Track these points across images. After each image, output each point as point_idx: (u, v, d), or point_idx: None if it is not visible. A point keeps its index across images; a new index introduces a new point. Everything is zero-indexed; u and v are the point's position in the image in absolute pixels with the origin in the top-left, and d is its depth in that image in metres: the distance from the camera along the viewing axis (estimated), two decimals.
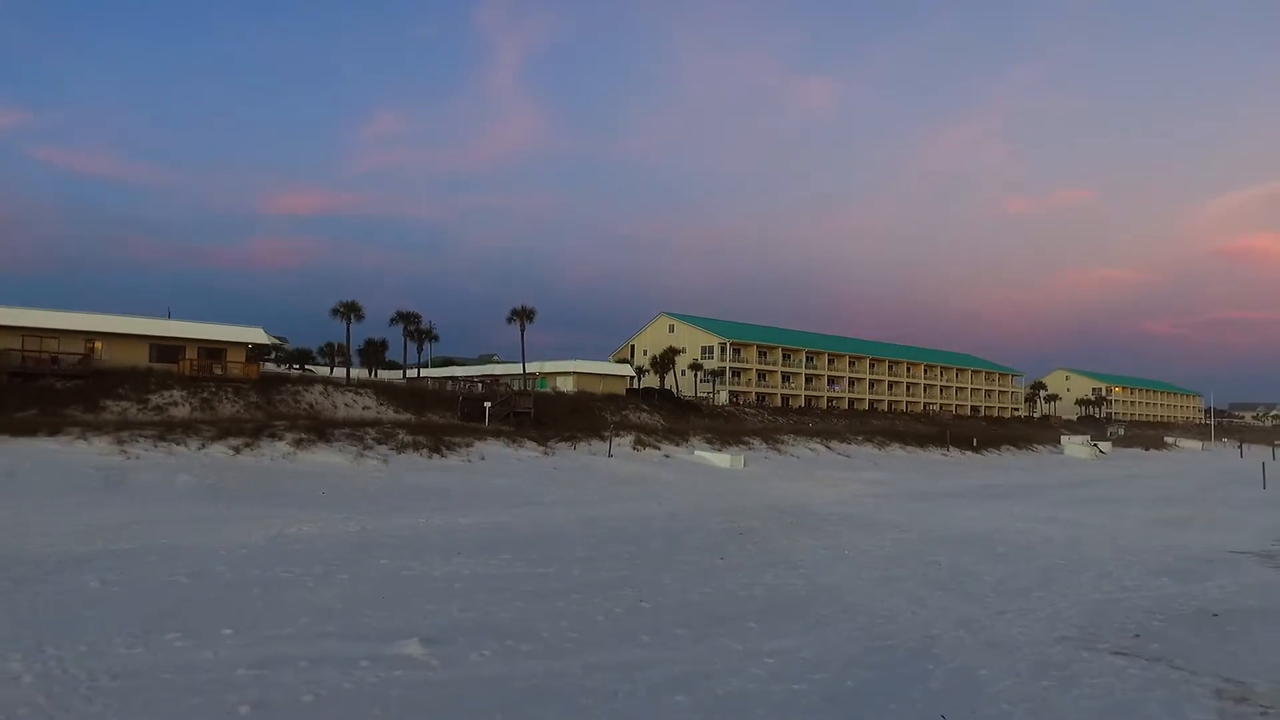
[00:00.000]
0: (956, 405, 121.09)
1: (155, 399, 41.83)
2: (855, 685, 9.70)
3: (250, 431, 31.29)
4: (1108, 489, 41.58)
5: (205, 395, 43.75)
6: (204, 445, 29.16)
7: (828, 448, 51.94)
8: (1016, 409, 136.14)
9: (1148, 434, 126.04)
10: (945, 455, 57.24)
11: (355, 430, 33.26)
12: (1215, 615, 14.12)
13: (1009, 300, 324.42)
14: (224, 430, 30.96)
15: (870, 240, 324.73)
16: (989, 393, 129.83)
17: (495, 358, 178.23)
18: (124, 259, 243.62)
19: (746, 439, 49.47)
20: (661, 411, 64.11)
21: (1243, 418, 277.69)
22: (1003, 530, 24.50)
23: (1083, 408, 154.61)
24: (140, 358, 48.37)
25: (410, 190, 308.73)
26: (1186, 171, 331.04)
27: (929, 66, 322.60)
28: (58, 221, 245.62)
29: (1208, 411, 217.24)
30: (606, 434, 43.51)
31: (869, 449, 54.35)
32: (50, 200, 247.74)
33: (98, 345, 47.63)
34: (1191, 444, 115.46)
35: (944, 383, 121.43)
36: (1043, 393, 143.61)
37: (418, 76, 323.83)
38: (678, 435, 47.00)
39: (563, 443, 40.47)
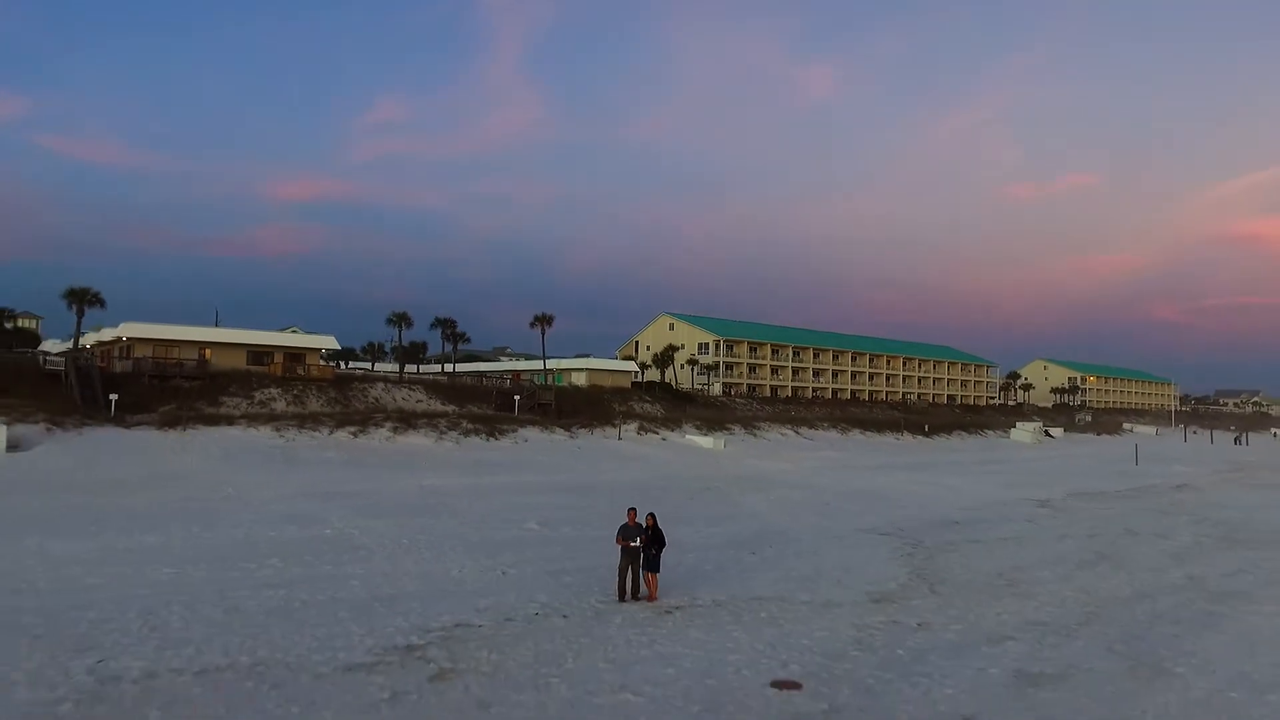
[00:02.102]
0: (934, 394, 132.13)
1: (258, 395, 53.09)
2: (740, 540, 21.10)
3: (358, 421, 42.62)
4: (1009, 465, 52.81)
5: (295, 392, 54.99)
6: (332, 431, 40.49)
7: (797, 432, 63.27)
8: (992, 398, 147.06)
9: (1111, 420, 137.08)
10: (899, 439, 68.51)
11: (432, 420, 44.61)
12: (957, 522, 25.51)
13: (1010, 287, 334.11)
14: (340, 420, 42.27)
15: (872, 227, 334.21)
16: (965, 382, 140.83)
17: (508, 350, 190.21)
18: (127, 247, 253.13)
19: (730, 426, 60.77)
20: (662, 402, 75.34)
21: (1227, 404, 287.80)
22: (891, 488, 35.82)
23: (1057, 396, 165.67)
24: (239, 361, 59.72)
25: (413, 177, 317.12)
26: (1191, 156, 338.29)
27: (931, 53, 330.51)
28: (61, 209, 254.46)
29: (1182, 399, 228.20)
30: (616, 422, 54.87)
31: (833, 434, 65.67)
32: (53, 188, 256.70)
33: (208, 352, 59.04)
34: (1146, 430, 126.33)
35: (922, 374, 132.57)
36: (1018, 382, 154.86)
37: (419, 64, 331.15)
38: (673, 423, 58.33)
39: (583, 429, 51.75)
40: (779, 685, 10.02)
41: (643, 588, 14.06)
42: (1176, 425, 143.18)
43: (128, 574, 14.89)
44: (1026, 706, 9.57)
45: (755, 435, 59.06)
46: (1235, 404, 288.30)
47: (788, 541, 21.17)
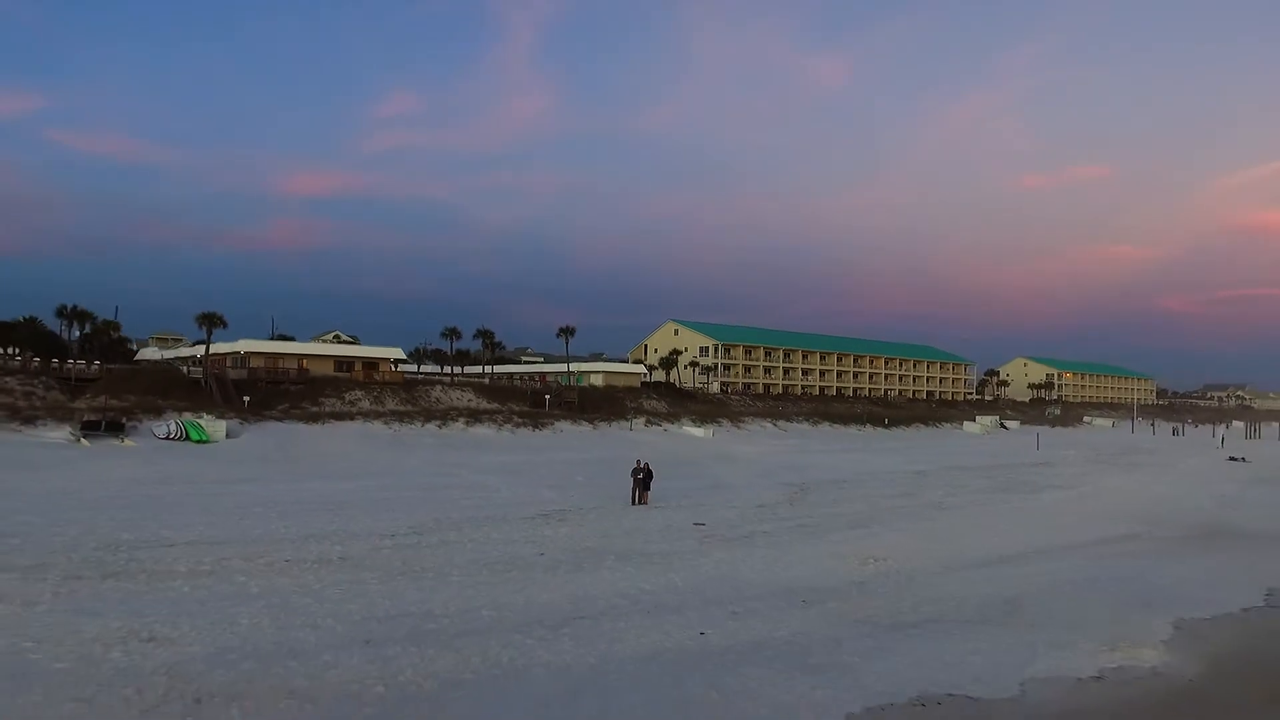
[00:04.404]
0: (914, 391, 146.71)
1: (347, 396, 68.42)
2: (700, 487, 36.16)
3: (440, 416, 57.65)
4: (935, 449, 67.44)
5: (375, 394, 70.31)
6: (423, 424, 55.51)
7: (775, 425, 78.05)
8: (970, 394, 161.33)
9: (1075, 414, 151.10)
10: (860, 430, 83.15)
11: (492, 415, 59.64)
12: (845, 480, 40.37)
13: (1016, 279, 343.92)
14: (427, 417, 57.33)
15: (881, 217, 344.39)
16: (943, 380, 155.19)
17: (529, 349, 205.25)
18: (139, 242, 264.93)
19: (720, 419, 75.60)
20: (666, 400, 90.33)
21: (1214, 398, 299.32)
22: (821, 463, 50.62)
23: (1034, 391, 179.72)
24: (328, 369, 75.11)
25: (425, 170, 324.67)
26: (1202, 146, 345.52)
27: (943, 41, 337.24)
28: (73, 205, 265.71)
29: (1160, 393, 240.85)
30: (628, 417, 69.83)
31: (804, 425, 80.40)
32: (65, 183, 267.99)
33: (304, 362, 74.44)
34: (1103, 423, 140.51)
35: (903, 372, 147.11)
36: (995, 379, 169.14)
37: (431, 55, 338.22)
38: (674, 417, 73.26)
39: (602, 422, 66.67)
40: (696, 524, 25.09)
41: (641, 499, 29.12)
42: (1139, 419, 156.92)
43: (393, 495, 30.03)
44: (793, 529, 24.57)
45: (739, 427, 74.03)
46: (1221, 398, 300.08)
47: (729, 487, 36.22)
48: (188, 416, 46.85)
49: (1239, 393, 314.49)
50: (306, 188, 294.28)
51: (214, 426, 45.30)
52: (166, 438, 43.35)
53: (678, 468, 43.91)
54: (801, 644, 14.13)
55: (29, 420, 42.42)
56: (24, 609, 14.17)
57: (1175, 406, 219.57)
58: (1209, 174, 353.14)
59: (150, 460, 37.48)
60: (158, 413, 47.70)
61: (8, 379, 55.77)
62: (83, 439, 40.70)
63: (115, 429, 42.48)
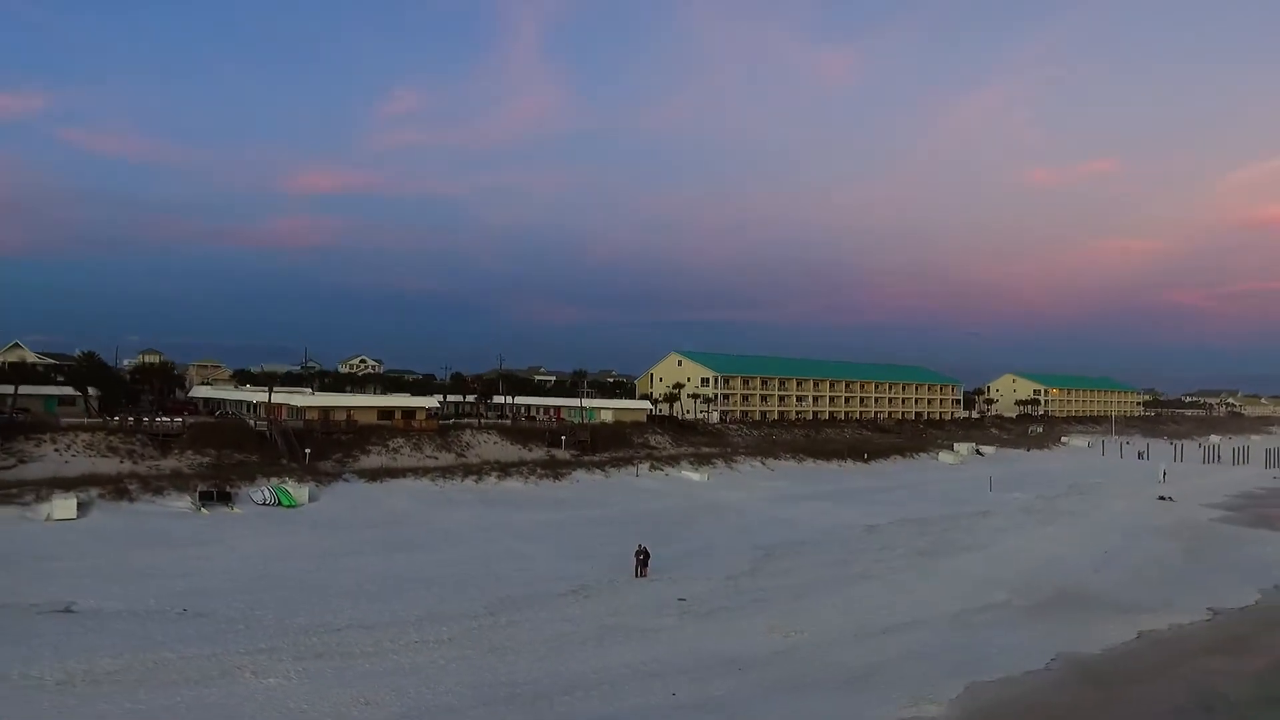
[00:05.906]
0: (904, 412, 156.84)
1: (390, 444, 79.21)
2: (688, 551, 46.70)
3: (475, 471, 68.20)
4: (900, 491, 77.64)
5: (414, 441, 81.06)
6: (461, 479, 66.09)
7: (764, 464, 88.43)
8: (957, 413, 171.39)
9: (1055, 433, 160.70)
10: (841, 466, 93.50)
11: (519, 468, 70.23)
12: (805, 541, 50.85)
13: (1022, 276, 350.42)
14: (465, 472, 67.85)
15: (886, 216, 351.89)
16: (931, 400, 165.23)
17: (541, 369, 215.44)
18: (146, 241, 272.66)
19: (715, 460, 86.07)
20: (670, 433, 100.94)
21: (1208, 404, 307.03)
22: (792, 515, 61.01)
23: (1021, 407, 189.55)
24: (372, 418, 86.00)
25: (429, 168, 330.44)
26: (1213, 140, 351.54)
27: (950, 36, 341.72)
28: (84, 203, 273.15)
29: (1148, 404, 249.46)
30: (635, 462, 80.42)
31: (791, 463, 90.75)
32: (76, 181, 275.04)
33: (352, 413, 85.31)
34: (1080, 442, 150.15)
35: (892, 394, 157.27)
36: (982, 397, 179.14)
37: (436, 53, 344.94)
38: (674, 460, 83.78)
39: (612, 466, 77.19)
40: (679, 599, 35.68)
41: (642, 573, 39.72)
42: (1116, 436, 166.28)
43: (463, 571, 40.60)
44: (748, 603, 35.11)
45: (732, 468, 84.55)
46: (1212, 404, 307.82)
47: (711, 552, 46.73)
48: (275, 482, 57.59)
49: (1229, 399, 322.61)
50: (314, 185, 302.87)
51: (299, 491, 55.99)
52: (263, 503, 54.04)
53: (673, 529, 54.31)
54: (725, 700, 24.75)
55: (158, 491, 53.18)
56: (286, 682, 24.85)
57: (1161, 417, 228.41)
58: (1217, 168, 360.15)
59: (261, 530, 48.18)
60: (250, 478, 58.45)
61: (111, 439, 66.80)
62: (202, 508, 51.49)
63: (225, 498, 53.23)
